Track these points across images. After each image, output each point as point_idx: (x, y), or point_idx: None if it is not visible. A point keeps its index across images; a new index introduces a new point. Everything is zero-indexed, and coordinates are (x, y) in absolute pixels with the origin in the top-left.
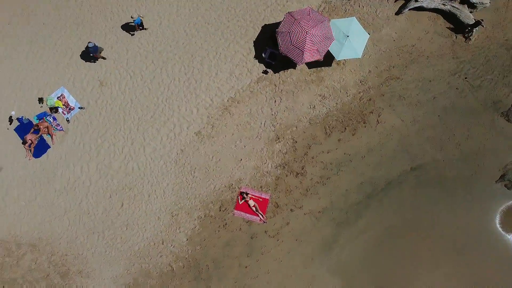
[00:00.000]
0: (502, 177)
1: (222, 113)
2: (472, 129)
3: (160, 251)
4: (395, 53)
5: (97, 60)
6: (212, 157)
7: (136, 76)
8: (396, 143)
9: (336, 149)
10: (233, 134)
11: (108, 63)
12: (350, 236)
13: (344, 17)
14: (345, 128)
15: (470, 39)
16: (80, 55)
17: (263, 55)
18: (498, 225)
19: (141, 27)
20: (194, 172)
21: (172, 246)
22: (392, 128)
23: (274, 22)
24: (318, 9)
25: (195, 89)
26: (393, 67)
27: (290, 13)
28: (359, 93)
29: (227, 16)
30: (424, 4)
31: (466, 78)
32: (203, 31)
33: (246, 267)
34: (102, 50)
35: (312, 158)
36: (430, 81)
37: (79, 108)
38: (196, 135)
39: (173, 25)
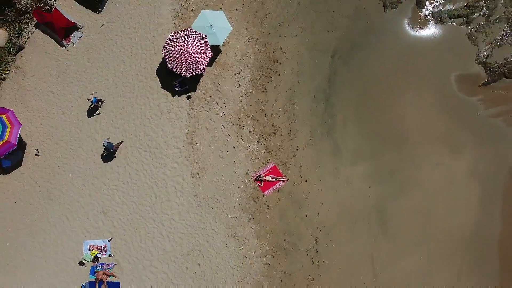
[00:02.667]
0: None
1: (192, 148)
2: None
3: (250, 261)
4: (249, 2)
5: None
6: (216, 178)
7: (123, 185)
8: (308, 53)
9: (279, 93)
10: (213, 153)
11: (94, 192)
12: (342, 133)
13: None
14: (270, 76)
15: None
16: (73, 212)
17: (176, 89)
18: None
19: (100, 102)
20: (216, 199)
21: (253, 253)
22: (296, 47)
23: (161, 65)
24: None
25: (161, 154)
26: (256, 11)
27: (170, 34)
28: (254, 48)
29: (128, 86)
30: None
31: None
32: (124, 119)
33: (306, 216)
34: (118, 143)
35: (271, 114)
36: None
37: (108, 241)
38: (193, 177)
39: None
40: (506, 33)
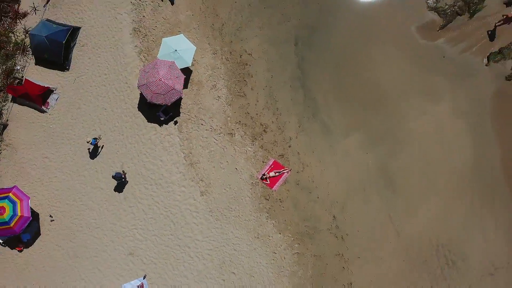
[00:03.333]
0: None
1: (193, 168)
2: None
3: (279, 256)
4: (203, 16)
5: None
6: (224, 189)
7: (140, 222)
8: (272, 48)
9: (258, 93)
10: (214, 167)
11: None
12: (326, 112)
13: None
14: (245, 80)
15: None
16: (103, 262)
17: (161, 119)
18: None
19: (99, 138)
20: (231, 208)
21: (280, 247)
22: (259, 46)
23: (141, 100)
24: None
25: (166, 183)
26: (213, 24)
27: (140, 70)
28: (222, 59)
29: (116, 129)
30: None
31: None
32: (122, 161)
33: (318, 198)
34: (125, 173)
35: (257, 114)
36: (235, 2)
37: (143, 279)
38: (203, 195)
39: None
40: None
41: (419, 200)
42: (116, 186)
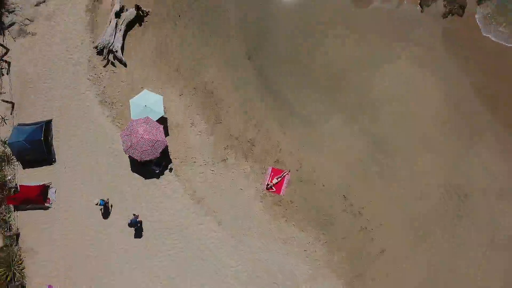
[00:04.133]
0: None
1: (202, 204)
2: None
3: (311, 251)
4: (156, 65)
5: None
6: (238, 211)
7: (175, 271)
8: (230, 69)
9: (233, 114)
10: (220, 195)
11: None
12: (300, 106)
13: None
14: (217, 106)
15: None
16: None
17: (157, 172)
18: None
19: (107, 204)
20: (250, 227)
21: (308, 243)
22: (218, 72)
23: (132, 162)
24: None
25: (184, 226)
26: (169, 69)
27: (120, 135)
28: (189, 96)
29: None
30: None
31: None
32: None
33: (323, 186)
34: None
35: (240, 133)
36: (181, 42)
37: None
38: (220, 224)
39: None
40: None
41: (413, 152)
42: (135, 234)
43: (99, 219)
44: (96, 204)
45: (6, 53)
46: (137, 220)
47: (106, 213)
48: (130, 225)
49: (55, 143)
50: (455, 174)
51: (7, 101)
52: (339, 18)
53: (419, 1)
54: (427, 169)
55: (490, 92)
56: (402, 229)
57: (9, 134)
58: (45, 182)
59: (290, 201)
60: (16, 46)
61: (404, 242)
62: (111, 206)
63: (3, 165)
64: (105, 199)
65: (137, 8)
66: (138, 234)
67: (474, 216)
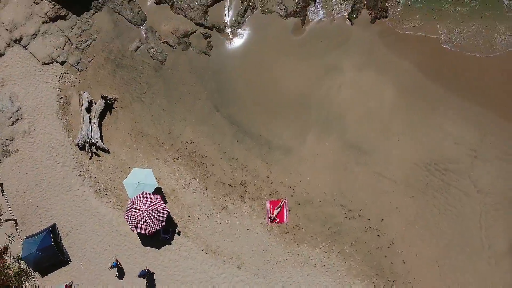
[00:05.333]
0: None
1: (218, 254)
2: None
3: (329, 264)
4: (136, 143)
5: None
6: (252, 250)
7: None
8: (205, 126)
9: (219, 164)
10: (232, 241)
11: None
12: (274, 136)
13: None
14: (203, 163)
15: None
16: None
17: (167, 239)
18: None
19: (119, 264)
20: (267, 260)
21: (324, 258)
22: (193, 131)
23: (141, 237)
24: None
25: (208, 280)
26: (149, 143)
27: (125, 216)
28: (175, 161)
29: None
30: None
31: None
32: None
33: (320, 202)
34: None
35: (231, 179)
36: (152, 115)
37: None
38: (240, 267)
39: None
40: None
41: (387, 145)
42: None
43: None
44: (110, 268)
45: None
46: (146, 271)
47: (120, 275)
48: (141, 276)
49: (65, 243)
50: (429, 152)
51: (9, 220)
52: (285, 50)
53: (347, 16)
54: (404, 155)
55: (433, 68)
56: (401, 217)
57: (20, 250)
58: (66, 283)
59: (296, 225)
60: (3, 166)
61: (407, 228)
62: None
63: (22, 280)
64: (115, 260)
65: (104, 98)
66: (151, 283)
67: (458, 184)
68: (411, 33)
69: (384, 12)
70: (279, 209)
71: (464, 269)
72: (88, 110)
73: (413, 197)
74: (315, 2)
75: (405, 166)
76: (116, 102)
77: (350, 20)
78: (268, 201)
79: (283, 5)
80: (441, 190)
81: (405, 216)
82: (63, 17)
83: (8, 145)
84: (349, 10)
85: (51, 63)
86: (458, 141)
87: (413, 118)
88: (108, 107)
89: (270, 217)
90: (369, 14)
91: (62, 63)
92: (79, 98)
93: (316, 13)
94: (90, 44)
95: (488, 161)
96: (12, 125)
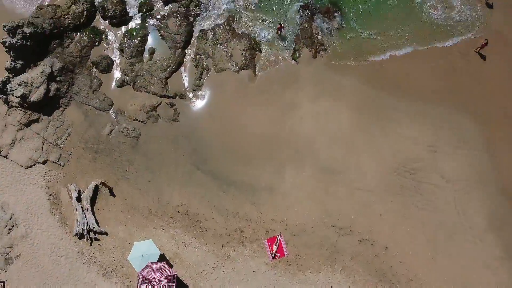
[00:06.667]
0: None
1: None
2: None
3: (335, 283)
4: (131, 218)
5: None
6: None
7: None
8: (190, 186)
9: (212, 218)
10: (244, 286)
11: None
12: (258, 180)
13: None
14: (197, 221)
15: None
16: None
17: None
18: None
19: None
20: None
21: (329, 278)
22: (180, 194)
23: None
24: None
25: None
26: (143, 215)
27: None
28: (171, 226)
29: None
30: None
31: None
32: None
33: (312, 228)
34: None
35: (226, 229)
36: (139, 189)
37: None
38: None
39: None
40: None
41: (356, 161)
42: None
43: None
44: None
45: (4, 285)
46: None
47: None
48: None
49: None
50: (395, 158)
51: None
52: (243, 99)
53: (291, 57)
54: (374, 166)
55: (377, 82)
56: (387, 222)
57: None
58: None
59: (296, 255)
60: (8, 274)
61: (395, 230)
62: None
63: None
64: None
65: (103, 184)
66: None
67: (428, 179)
68: (345, 62)
69: (322, 46)
70: (277, 244)
71: (456, 254)
72: (79, 199)
73: (392, 201)
74: (260, 52)
75: (377, 175)
76: (104, 185)
77: (295, 60)
78: (266, 240)
79: (233, 61)
80: (415, 189)
81: (390, 220)
82: (36, 121)
83: (9, 252)
84: (292, 51)
85: (34, 165)
86: (415, 141)
87: (372, 131)
88: (97, 192)
89: (271, 254)
90: (310, 51)
91: (44, 162)
92: (68, 191)
93: (263, 61)
94: (66, 139)
95: (447, 152)
96: (9, 233)
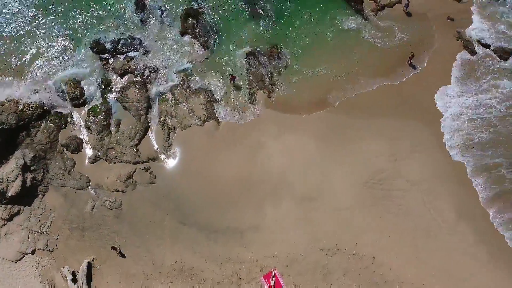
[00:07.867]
0: None
1: None
2: None
3: None
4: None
5: None
6: None
7: None
8: (178, 243)
9: (207, 268)
10: None
11: None
12: (242, 222)
13: None
14: (193, 274)
15: None
16: None
17: None
18: None
19: None
20: None
21: None
22: (172, 253)
23: None
24: None
25: None
26: (144, 276)
27: None
28: (169, 285)
29: None
30: None
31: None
32: None
33: (302, 255)
34: None
35: (222, 275)
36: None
37: None
38: None
39: None
40: None
41: (329, 183)
42: None
43: None
44: None
45: None
46: None
47: None
48: None
49: None
50: (363, 173)
51: None
52: (213, 149)
53: (248, 101)
54: (345, 185)
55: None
56: (369, 234)
57: None
58: None
59: (293, 285)
60: None
61: (378, 240)
62: None
63: None
64: None
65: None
66: None
67: (395, 186)
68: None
69: (274, 86)
70: (273, 279)
71: (436, 249)
72: (74, 281)
73: (369, 213)
74: (219, 103)
75: (351, 193)
76: (94, 260)
77: (252, 103)
78: (262, 277)
79: (196, 116)
80: (386, 197)
81: (371, 231)
82: (17, 213)
83: None
84: (248, 96)
85: (23, 257)
86: (377, 154)
87: (338, 153)
88: (91, 269)
89: None
90: (264, 93)
91: (33, 252)
92: (62, 275)
93: (222, 112)
94: (50, 224)
95: (405, 158)
96: None
